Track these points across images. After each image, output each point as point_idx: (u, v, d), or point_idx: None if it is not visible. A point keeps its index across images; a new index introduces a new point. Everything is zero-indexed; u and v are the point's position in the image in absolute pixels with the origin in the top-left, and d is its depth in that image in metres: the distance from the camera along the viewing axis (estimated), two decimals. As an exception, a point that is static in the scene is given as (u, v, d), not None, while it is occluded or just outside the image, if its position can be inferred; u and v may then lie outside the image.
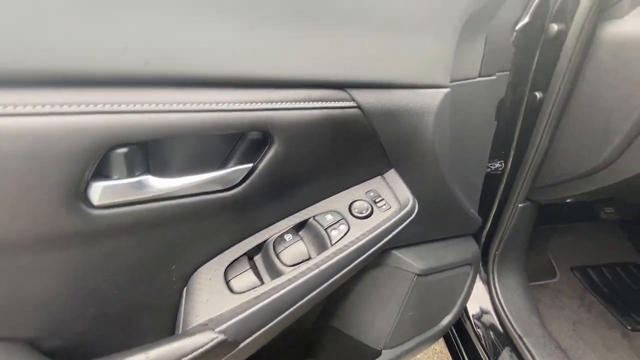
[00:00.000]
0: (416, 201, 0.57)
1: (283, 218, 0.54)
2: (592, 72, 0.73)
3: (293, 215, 0.55)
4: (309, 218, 0.54)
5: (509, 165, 0.95)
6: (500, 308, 1.07)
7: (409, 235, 0.74)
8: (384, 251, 0.72)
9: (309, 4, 0.42)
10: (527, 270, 1.36)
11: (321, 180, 0.55)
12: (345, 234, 0.52)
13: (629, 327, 1.14)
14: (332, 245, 0.51)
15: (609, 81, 0.69)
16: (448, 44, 0.53)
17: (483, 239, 1.09)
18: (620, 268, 1.38)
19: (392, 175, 0.60)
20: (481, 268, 1.13)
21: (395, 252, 0.73)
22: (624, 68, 0.66)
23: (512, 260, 1.12)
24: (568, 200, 0.99)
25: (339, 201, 0.56)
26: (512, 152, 0.93)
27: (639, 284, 1.31)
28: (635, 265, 1.40)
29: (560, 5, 0.75)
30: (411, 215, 0.56)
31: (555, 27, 0.75)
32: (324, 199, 0.57)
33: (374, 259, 0.73)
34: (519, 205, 0.99)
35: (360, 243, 0.51)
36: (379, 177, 0.61)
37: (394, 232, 0.54)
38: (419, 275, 0.73)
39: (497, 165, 1.01)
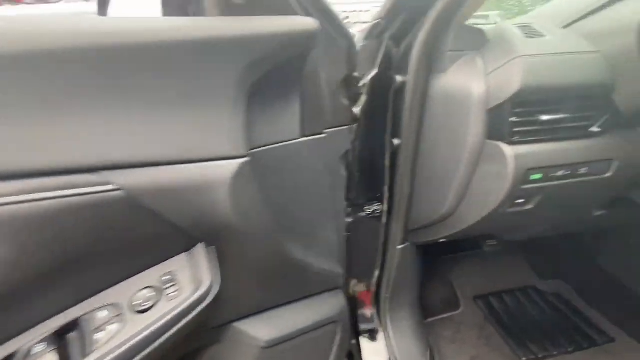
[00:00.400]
0: (217, 279, 0.51)
1: (44, 320, 0.45)
2: (430, 121, 0.73)
3: (58, 316, 0.46)
4: (77, 318, 0.46)
5: (385, 208, 0.94)
6: (393, 354, 1.03)
7: (252, 304, 0.67)
8: (222, 326, 0.65)
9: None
10: (431, 305, 1.35)
11: (96, 270, 0.47)
12: (114, 336, 0.44)
13: (524, 359, 1.15)
14: (93, 352, 0.43)
15: (442, 132, 0.70)
16: (233, 114, 0.49)
17: (374, 284, 1.07)
18: (521, 293, 1.42)
19: (198, 251, 0.54)
20: (376, 314, 1.10)
21: (236, 324, 0.66)
22: (450, 120, 0.67)
23: (404, 302, 1.09)
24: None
25: (121, 292, 0.49)
26: (385, 196, 0.92)
27: (537, 309, 1.35)
28: (534, 289, 1.44)
29: (401, 57, 0.75)
30: (205, 298, 0.49)
31: (399, 78, 0.75)
32: (103, 290, 0.49)
33: (211, 336, 0.65)
34: (398, 247, 0.97)
35: (132, 343, 0.43)
36: (184, 254, 0.54)
37: (184, 322, 0.47)
38: (265, 347, 0.67)
39: (376, 207, 1.00)
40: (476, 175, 0.67)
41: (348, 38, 0.63)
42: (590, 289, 1.35)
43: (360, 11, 1.62)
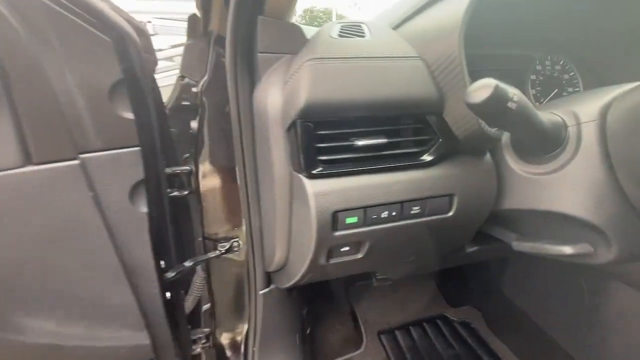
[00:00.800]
0: None
1: None
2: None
3: None
4: None
5: (246, 245, 0.77)
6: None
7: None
8: None
9: None
10: (329, 345, 1.21)
11: None
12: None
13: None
14: None
15: (260, 160, 0.55)
16: None
17: (243, 335, 0.89)
18: (429, 325, 1.32)
19: None
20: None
21: None
22: (261, 144, 0.53)
23: (276, 354, 0.92)
24: None
25: None
26: (243, 230, 0.74)
27: (443, 342, 1.25)
28: (444, 318, 1.36)
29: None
30: None
31: None
32: None
33: None
34: (260, 292, 0.80)
35: None
36: None
37: None
38: None
39: (235, 243, 0.83)
40: (294, 216, 0.52)
41: (116, 31, 0.46)
42: (496, 317, 1.29)
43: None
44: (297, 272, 0.56)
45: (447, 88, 0.48)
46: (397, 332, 1.27)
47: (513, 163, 0.53)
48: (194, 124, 0.70)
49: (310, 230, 0.47)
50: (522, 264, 1.15)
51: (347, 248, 0.52)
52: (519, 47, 0.76)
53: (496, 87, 0.34)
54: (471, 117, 0.47)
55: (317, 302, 1.31)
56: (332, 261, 0.53)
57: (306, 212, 0.47)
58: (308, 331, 1.04)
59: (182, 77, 0.69)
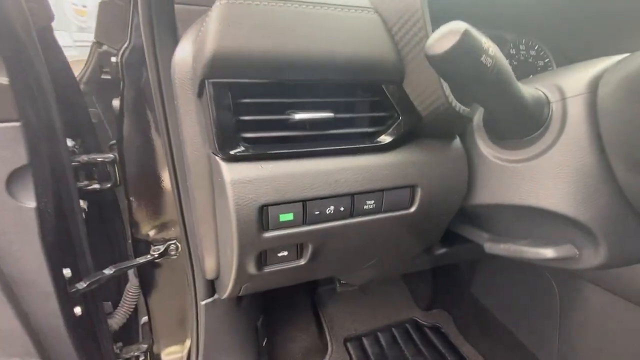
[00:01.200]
0: None
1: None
2: None
3: None
4: None
5: (184, 247, 0.65)
6: None
7: None
8: None
9: None
10: (296, 354, 1.11)
11: None
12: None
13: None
14: None
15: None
16: None
17: (184, 356, 0.77)
18: (397, 329, 1.25)
19: None
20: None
21: None
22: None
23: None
24: None
25: None
26: (181, 230, 0.62)
27: (412, 348, 1.18)
28: (414, 323, 1.29)
29: None
30: None
31: None
32: None
33: None
34: (202, 303, 0.69)
35: None
36: None
37: None
38: None
39: (172, 245, 0.71)
40: (218, 213, 0.41)
41: None
42: (467, 320, 1.23)
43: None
44: (228, 282, 0.45)
45: (407, 50, 0.39)
46: (364, 339, 1.19)
47: (485, 148, 0.44)
48: (115, 103, 0.58)
49: (230, 230, 0.36)
50: (493, 263, 1.10)
51: (285, 253, 0.42)
52: (489, 25, 0.68)
53: (466, 33, 0.26)
54: (436, 87, 0.37)
55: (275, 310, 1.21)
56: (268, 269, 0.43)
57: (225, 205, 0.36)
58: (264, 343, 0.94)
59: (98, 43, 0.57)
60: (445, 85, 0.38)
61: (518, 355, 1.02)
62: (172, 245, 0.70)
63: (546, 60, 0.75)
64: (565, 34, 0.74)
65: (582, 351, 0.84)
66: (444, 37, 0.26)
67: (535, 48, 0.74)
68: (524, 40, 0.73)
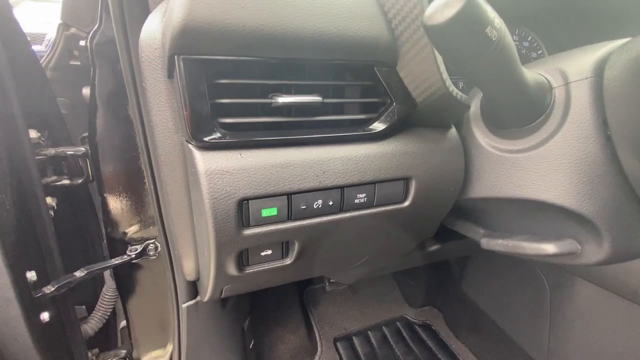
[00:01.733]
0: None
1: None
2: None
3: None
4: None
5: (163, 246, 0.61)
6: None
7: None
8: None
9: None
10: (284, 355, 1.08)
11: None
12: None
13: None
14: None
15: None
16: None
17: (168, 354, 0.73)
18: (387, 327, 1.23)
19: None
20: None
21: None
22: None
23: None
24: None
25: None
26: (158, 228, 0.58)
27: (403, 346, 1.16)
28: (405, 320, 1.27)
29: None
30: None
31: None
32: None
33: None
34: (183, 305, 0.65)
35: None
36: None
37: None
38: None
39: (150, 245, 0.67)
40: (194, 208, 0.37)
41: None
42: (457, 317, 1.22)
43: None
44: (208, 284, 0.42)
45: (401, 29, 0.35)
46: (354, 338, 1.17)
47: (483, 138, 0.42)
48: (86, 91, 0.53)
49: (206, 227, 0.32)
50: (484, 259, 1.09)
51: (268, 251, 0.38)
52: None
53: (470, 0, 0.23)
54: (432, 71, 0.34)
55: (262, 311, 1.17)
56: (250, 270, 0.39)
57: (199, 199, 0.33)
58: (251, 346, 0.90)
59: (65, 25, 0.52)
60: (442, 68, 0.35)
61: (508, 351, 1.01)
62: (151, 245, 0.66)
63: (539, 52, 0.74)
64: (558, 25, 0.72)
65: (572, 346, 0.83)
66: (446, 5, 0.23)
67: (529, 39, 0.73)
68: (517, 31, 0.71)
